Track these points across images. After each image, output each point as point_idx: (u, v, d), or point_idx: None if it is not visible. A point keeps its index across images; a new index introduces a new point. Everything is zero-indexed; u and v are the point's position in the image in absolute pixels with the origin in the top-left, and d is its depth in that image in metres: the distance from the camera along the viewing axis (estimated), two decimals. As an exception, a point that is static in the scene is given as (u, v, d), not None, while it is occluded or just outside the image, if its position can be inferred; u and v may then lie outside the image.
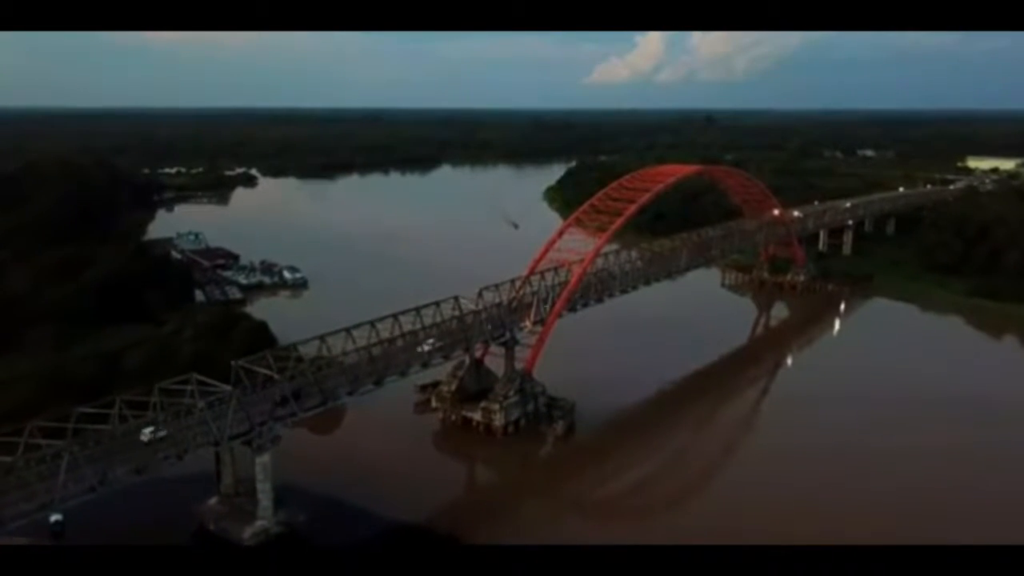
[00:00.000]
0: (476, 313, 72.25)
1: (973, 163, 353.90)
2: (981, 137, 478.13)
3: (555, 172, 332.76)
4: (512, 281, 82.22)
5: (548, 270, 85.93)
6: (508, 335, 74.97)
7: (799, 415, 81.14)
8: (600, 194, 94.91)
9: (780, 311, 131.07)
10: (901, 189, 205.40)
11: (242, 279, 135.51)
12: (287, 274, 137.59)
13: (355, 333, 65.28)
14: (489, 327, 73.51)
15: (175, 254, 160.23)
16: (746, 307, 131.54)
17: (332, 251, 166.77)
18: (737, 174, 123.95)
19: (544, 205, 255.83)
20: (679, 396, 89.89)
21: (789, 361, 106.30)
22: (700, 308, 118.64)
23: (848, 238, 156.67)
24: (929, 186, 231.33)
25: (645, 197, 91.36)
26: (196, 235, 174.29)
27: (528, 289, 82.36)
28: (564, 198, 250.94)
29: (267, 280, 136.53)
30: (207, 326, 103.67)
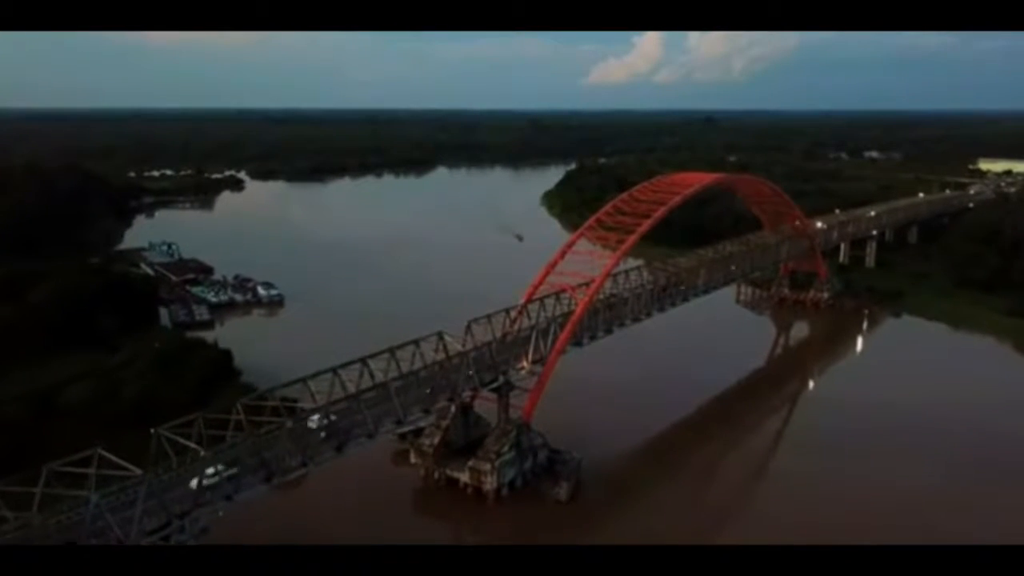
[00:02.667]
0: (463, 355, 60.26)
1: (985, 165, 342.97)
2: (986, 138, 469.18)
3: (553, 174, 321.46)
4: (506, 311, 70.29)
5: (548, 296, 74.10)
6: (501, 379, 63.03)
7: (825, 458, 70.05)
8: (608, 207, 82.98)
9: (803, 331, 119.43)
10: (921, 195, 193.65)
11: (212, 297, 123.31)
12: (261, 291, 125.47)
13: (315, 384, 53.54)
14: (478, 370, 61.51)
15: (144, 267, 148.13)
16: (765, 327, 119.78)
17: (315, 262, 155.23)
18: (760, 183, 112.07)
19: (543, 210, 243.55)
20: (694, 435, 78.32)
21: (818, 391, 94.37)
22: (714, 328, 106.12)
23: (871, 249, 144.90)
24: (948, 191, 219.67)
25: (660, 211, 79.39)
26: (169, 245, 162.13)
27: (525, 321, 70.58)
28: (563, 203, 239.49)
29: (239, 298, 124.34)
30: (162, 356, 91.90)
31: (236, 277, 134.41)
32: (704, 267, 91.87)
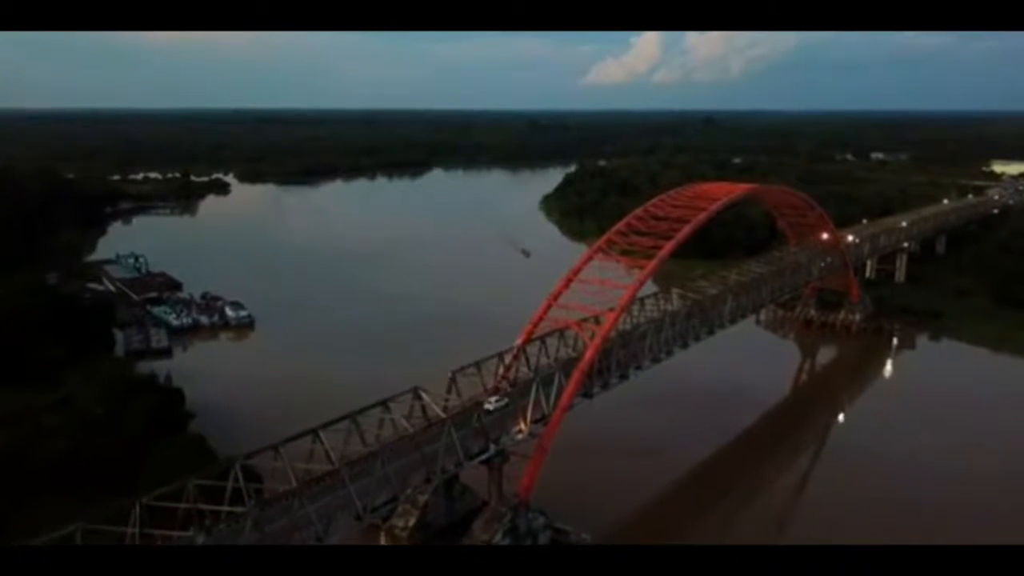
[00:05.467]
0: (444, 422, 47.51)
1: (999, 167, 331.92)
2: (991, 139, 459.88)
3: (552, 175, 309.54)
4: (499, 355, 57.71)
5: (551, 334, 61.65)
6: (493, 448, 50.44)
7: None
8: (621, 224, 70.29)
9: (833, 359, 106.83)
10: (945, 201, 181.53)
11: (173, 319, 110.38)
12: (229, 312, 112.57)
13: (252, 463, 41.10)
14: (463, 438, 48.95)
15: (107, 283, 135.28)
16: (790, 354, 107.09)
17: (294, 275, 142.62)
18: (790, 194, 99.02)
19: (542, 216, 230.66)
20: (708, 493, 65.97)
21: (852, 441, 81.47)
22: (731, 355, 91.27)
23: (901, 263, 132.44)
24: (971, 195, 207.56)
25: (683, 232, 66.72)
26: (136, 258, 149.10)
27: (523, 365, 58.07)
28: (563, 208, 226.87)
29: (205, 320, 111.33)
30: (103, 396, 79.09)
31: (204, 296, 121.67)
32: (731, 292, 79.19)
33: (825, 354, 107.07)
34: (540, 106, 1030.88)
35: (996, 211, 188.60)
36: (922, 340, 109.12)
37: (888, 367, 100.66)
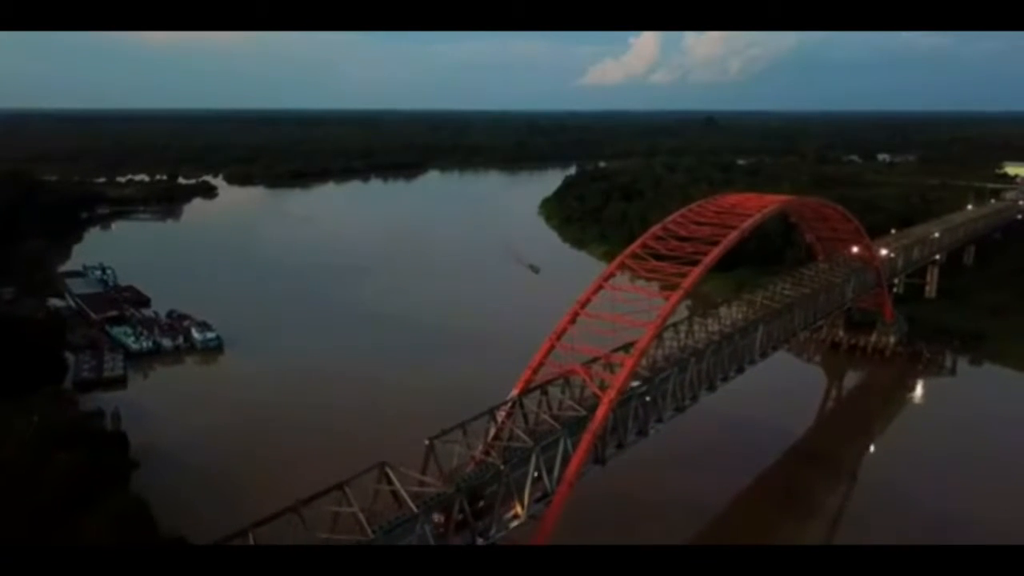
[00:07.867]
0: (416, 519, 36.47)
1: (1012, 170, 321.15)
2: (996, 139, 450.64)
3: (550, 177, 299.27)
4: (491, 412, 46.74)
5: (554, 382, 50.79)
6: (480, 544, 39.52)
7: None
8: (636, 245, 59.38)
9: (866, 389, 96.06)
10: (970, 207, 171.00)
11: (132, 342, 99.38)
12: (196, 334, 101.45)
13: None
14: (441, 530, 38.08)
15: (69, 299, 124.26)
16: (815, 382, 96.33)
17: (273, 289, 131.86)
18: (827, 207, 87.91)
19: (541, 221, 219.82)
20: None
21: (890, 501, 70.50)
22: (745, 382, 79.74)
23: (933, 276, 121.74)
24: (993, 200, 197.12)
25: (713, 253, 56.07)
26: (103, 270, 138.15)
27: (518, 423, 47.21)
28: (563, 213, 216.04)
29: (167, 343, 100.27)
30: (31, 441, 68.10)
31: (170, 314, 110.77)
32: (761, 321, 68.26)
33: (859, 383, 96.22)
34: (538, 107, 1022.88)
35: (1020, 216, 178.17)
36: (962, 365, 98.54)
37: (934, 400, 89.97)
